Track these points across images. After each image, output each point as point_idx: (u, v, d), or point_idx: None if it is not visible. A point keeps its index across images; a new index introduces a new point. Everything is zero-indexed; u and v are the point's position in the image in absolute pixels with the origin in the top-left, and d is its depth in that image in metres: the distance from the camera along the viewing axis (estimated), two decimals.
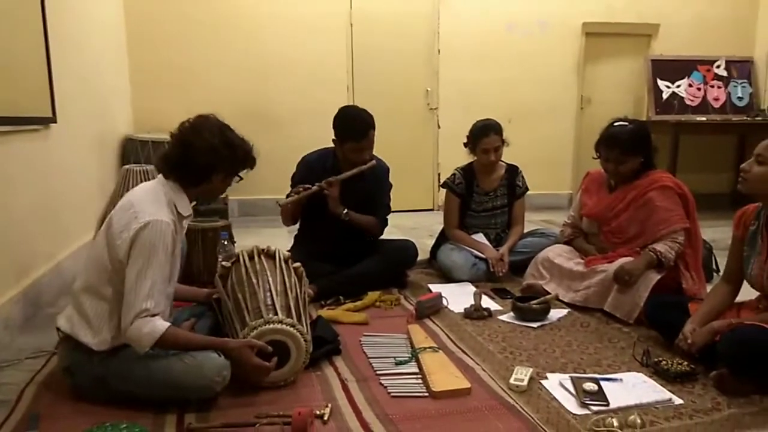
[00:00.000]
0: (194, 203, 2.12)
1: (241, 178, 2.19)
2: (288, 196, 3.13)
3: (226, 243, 3.08)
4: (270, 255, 2.32)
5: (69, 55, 3.48)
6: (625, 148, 2.84)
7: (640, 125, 2.97)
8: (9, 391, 2.06)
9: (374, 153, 3.19)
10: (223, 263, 2.29)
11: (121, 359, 1.90)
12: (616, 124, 2.93)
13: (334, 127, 3.12)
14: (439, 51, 5.88)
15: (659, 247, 2.77)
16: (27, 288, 2.77)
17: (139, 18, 5.28)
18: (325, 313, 2.76)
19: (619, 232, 2.94)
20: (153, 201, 1.93)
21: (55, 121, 3.16)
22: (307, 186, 3.04)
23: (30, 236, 2.83)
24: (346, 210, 3.08)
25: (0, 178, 2.60)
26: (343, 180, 3.06)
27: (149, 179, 3.03)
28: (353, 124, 3.07)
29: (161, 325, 1.85)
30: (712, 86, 6.19)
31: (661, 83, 6.10)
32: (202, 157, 1.98)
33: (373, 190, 3.22)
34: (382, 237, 3.40)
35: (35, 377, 2.15)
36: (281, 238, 3.40)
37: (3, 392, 2.06)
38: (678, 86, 6.13)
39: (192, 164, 1.99)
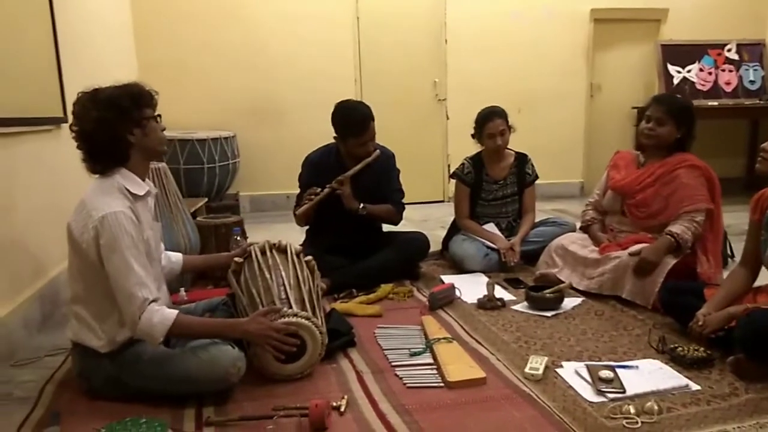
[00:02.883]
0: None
1: (160, 116, 2.02)
2: (299, 202, 3.13)
3: (238, 239, 3.09)
4: (281, 249, 2.33)
5: (78, 56, 3.50)
6: (671, 110, 2.87)
7: (691, 105, 3.07)
8: (29, 388, 2.09)
9: (380, 142, 3.19)
10: (236, 259, 2.30)
11: (132, 358, 1.92)
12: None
13: (333, 125, 3.11)
14: (446, 41, 5.85)
15: (675, 228, 2.76)
16: (43, 287, 2.80)
17: (146, 16, 5.30)
18: (338, 306, 2.77)
19: (643, 206, 2.92)
20: (102, 194, 1.87)
21: (66, 121, 3.18)
22: (318, 190, 3.04)
23: (45, 235, 2.86)
24: (362, 205, 3.09)
25: (14, 178, 2.63)
26: (353, 175, 3.06)
27: (161, 177, 3.06)
28: (352, 120, 3.06)
29: (170, 312, 1.85)
30: (724, 70, 6.11)
31: (672, 68, 6.03)
32: (101, 135, 1.87)
33: (382, 178, 3.22)
34: (394, 229, 3.41)
35: (54, 375, 2.19)
36: (293, 233, 3.42)
37: (24, 390, 2.09)
38: (689, 71, 6.05)
39: (103, 147, 1.89)
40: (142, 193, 1.97)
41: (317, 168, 3.19)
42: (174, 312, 1.87)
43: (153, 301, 1.84)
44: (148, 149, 1.99)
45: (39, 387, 2.08)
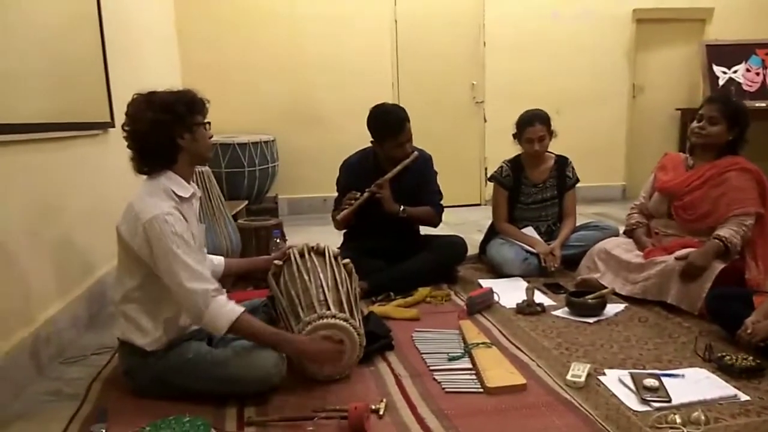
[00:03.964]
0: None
1: (209, 123, 2.07)
2: (337, 206, 3.16)
3: (278, 241, 3.13)
4: (320, 252, 2.35)
5: (124, 62, 3.59)
6: (724, 110, 2.80)
7: (746, 108, 2.97)
8: (77, 385, 2.15)
9: (417, 145, 3.19)
10: (275, 261, 2.32)
11: (177, 357, 1.96)
12: None
13: (369, 129, 3.12)
14: (484, 43, 5.81)
15: (724, 232, 2.69)
16: (91, 286, 2.88)
17: (189, 23, 5.41)
18: (375, 309, 2.78)
19: (691, 208, 2.85)
20: (149, 196, 1.93)
21: (114, 126, 3.26)
22: (358, 194, 3.06)
23: (92, 236, 2.94)
24: (402, 207, 3.09)
25: (64, 181, 2.71)
26: (391, 178, 3.07)
27: (204, 180, 3.12)
28: (388, 121, 3.07)
29: (237, 308, 1.90)
30: None
31: (717, 69, 5.86)
32: (153, 137, 1.92)
33: (420, 180, 3.22)
34: (432, 233, 3.40)
35: (101, 373, 2.25)
36: (331, 235, 3.43)
37: (72, 387, 2.15)
38: (735, 71, 5.87)
39: (153, 148, 1.95)
40: (187, 195, 2.02)
41: (355, 172, 3.20)
42: (241, 309, 1.91)
43: (215, 290, 1.88)
44: (196, 154, 2.04)
45: (86, 384, 2.14)
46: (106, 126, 3.22)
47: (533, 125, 3.39)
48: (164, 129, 1.93)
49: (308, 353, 2.01)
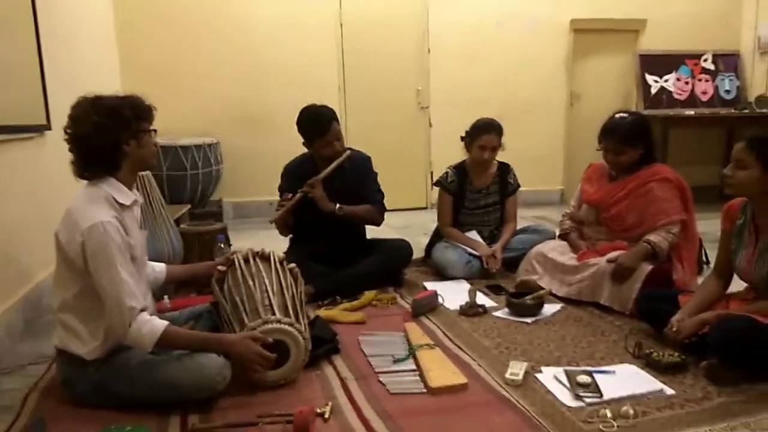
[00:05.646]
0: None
1: (155, 131, 2.04)
2: (277, 210, 3.16)
3: (222, 246, 3.11)
4: (264, 257, 2.35)
5: (62, 63, 3.49)
6: (623, 139, 2.91)
7: (640, 117, 3.05)
8: (12, 397, 2.08)
9: (364, 149, 3.22)
10: (219, 267, 2.31)
11: (118, 364, 1.93)
12: (617, 115, 3.01)
13: (299, 131, 3.15)
14: (429, 50, 5.91)
15: (653, 237, 2.83)
16: (27, 294, 2.79)
17: (130, 23, 5.28)
18: (322, 313, 2.79)
19: (618, 219, 2.98)
20: (89, 203, 1.89)
21: (50, 128, 3.17)
22: (291, 195, 3.07)
23: (27, 243, 2.85)
24: (338, 205, 3.11)
25: None
26: (325, 178, 3.09)
27: (144, 185, 3.07)
28: (314, 121, 3.12)
29: (159, 324, 1.88)
30: (700, 80, 6.25)
31: (650, 78, 6.16)
32: (96, 140, 1.88)
33: (359, 180, 3.25)
34: (378, 236, 3.43)
35: (38, 383, 2.18)
36: (278, 240, 3.43)
37: (7, 398, 2.08)
38: (666, 81, 6.18)
39: (96, 153, 1.91)
40: (129, 203, 1.99)
41: (295, 176, 3.21)
42: (163, 323, 1.89)
43: (141, 310, 1.86)
44: (140, 161, 2.02)
45: (22, 395, 2.08)
46: (42, 129, 3.13)
47: (489, 133, 3.46)
48: (109, 134, 1.89)
49: (236, 354, 1.96)
